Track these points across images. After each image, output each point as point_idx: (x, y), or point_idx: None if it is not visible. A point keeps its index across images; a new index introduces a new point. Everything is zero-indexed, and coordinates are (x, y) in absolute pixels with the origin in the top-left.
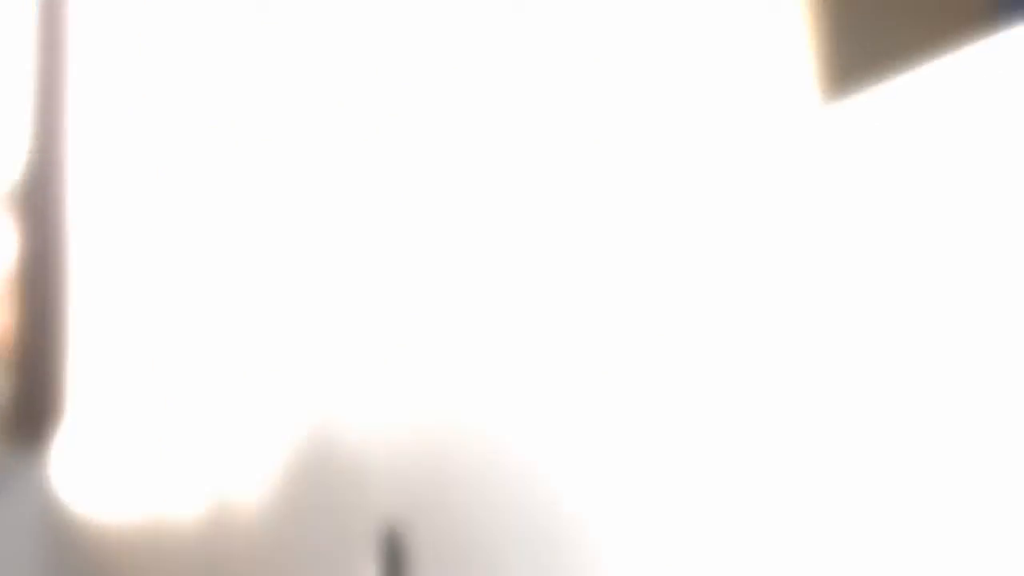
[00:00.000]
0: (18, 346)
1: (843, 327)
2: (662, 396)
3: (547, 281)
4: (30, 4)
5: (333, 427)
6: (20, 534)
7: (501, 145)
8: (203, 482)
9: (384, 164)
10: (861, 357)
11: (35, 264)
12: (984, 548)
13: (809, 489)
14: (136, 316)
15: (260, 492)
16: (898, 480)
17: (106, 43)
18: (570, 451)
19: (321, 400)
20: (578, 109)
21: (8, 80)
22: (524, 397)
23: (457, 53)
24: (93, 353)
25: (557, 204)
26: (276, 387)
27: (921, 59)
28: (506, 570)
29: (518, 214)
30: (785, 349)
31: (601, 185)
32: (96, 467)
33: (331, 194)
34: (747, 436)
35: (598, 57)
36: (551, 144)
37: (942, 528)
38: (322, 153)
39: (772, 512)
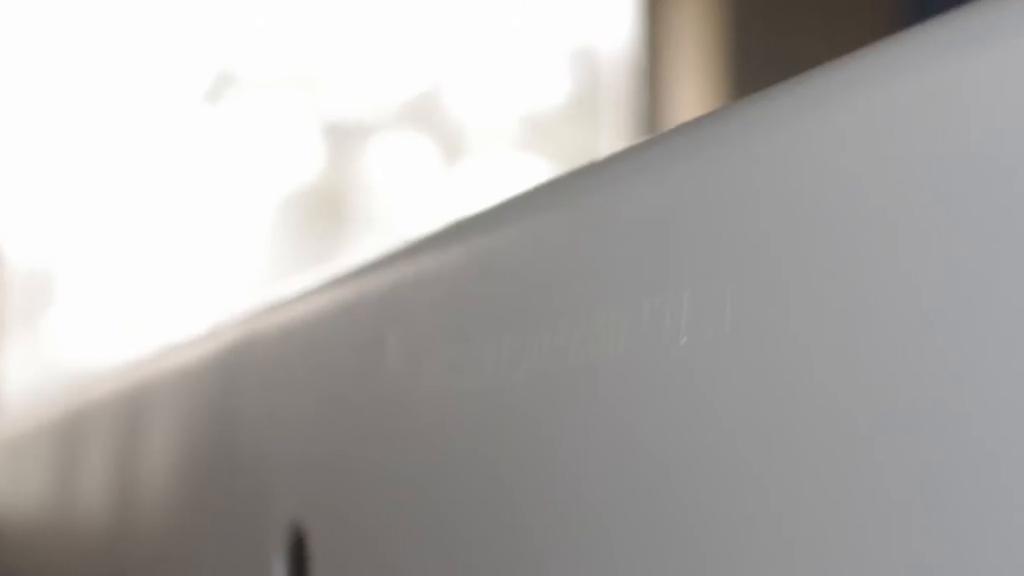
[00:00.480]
0: None
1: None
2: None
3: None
4: None
5: (235, 425)
6: None
7: None
8: (105, 481)
9: None
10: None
11: None
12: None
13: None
14: None
15: (162, 492)
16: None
17: None
18: (478, 448)
19: (222, 397)
20: None
21: None
22: (426, 393)
23: None
24: None
25: None
26: (174, 383)
27: (825, 59)
28: (413, 569)
29: None
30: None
31: None
32: None
33: None
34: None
35: None
36: None
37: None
38: None
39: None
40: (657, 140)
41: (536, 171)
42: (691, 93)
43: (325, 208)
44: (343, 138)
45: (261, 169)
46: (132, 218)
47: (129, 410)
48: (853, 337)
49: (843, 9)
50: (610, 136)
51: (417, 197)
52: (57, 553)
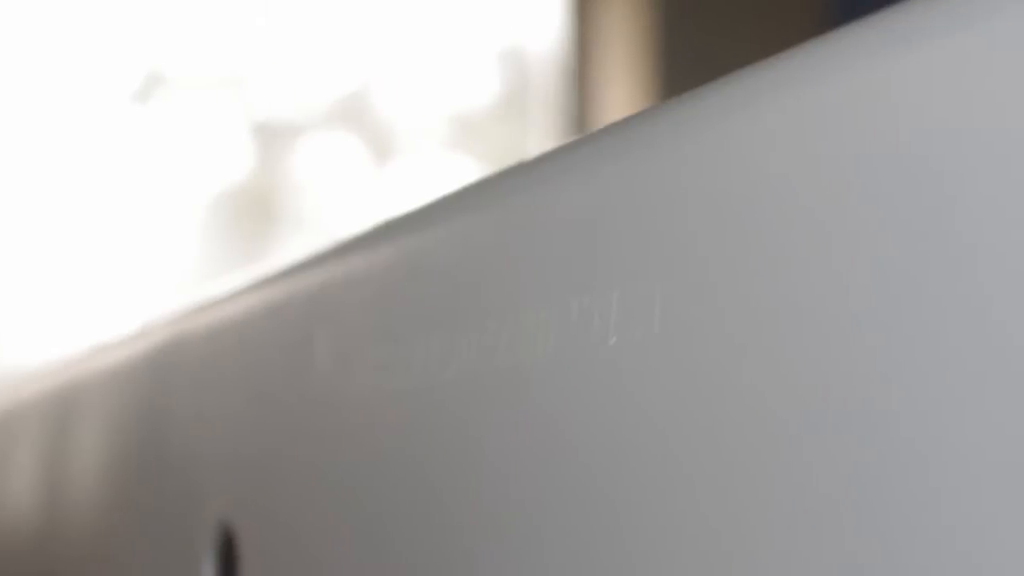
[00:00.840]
0: None
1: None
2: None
3: None
4: None
5: (164, 425)
6: None
7: None
8: (34, 481)
9: None
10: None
11: None
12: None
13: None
14: None
15: (91, 492)
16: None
17: None
18: (407, 448)
19: (151, 397)
20: None
21: None
22: (355, 393)
23: None
24: None
25: None
26: (104, 383)
27: (754, 59)
28: (341, 568)
29: None
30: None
31: None
32: None
33: None
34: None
35: None
36: None
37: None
38: None
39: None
40: (586, 140)
41: (465, 171)
42: (620, 93)
43: (254, 208)
44: (272, 138)
45: (190, 169)
46: (61, 218)
47: (58, 410)
48: (781, 337)
49: (772, 9)
50: (539, 136)
51: (346, 197)
52: None
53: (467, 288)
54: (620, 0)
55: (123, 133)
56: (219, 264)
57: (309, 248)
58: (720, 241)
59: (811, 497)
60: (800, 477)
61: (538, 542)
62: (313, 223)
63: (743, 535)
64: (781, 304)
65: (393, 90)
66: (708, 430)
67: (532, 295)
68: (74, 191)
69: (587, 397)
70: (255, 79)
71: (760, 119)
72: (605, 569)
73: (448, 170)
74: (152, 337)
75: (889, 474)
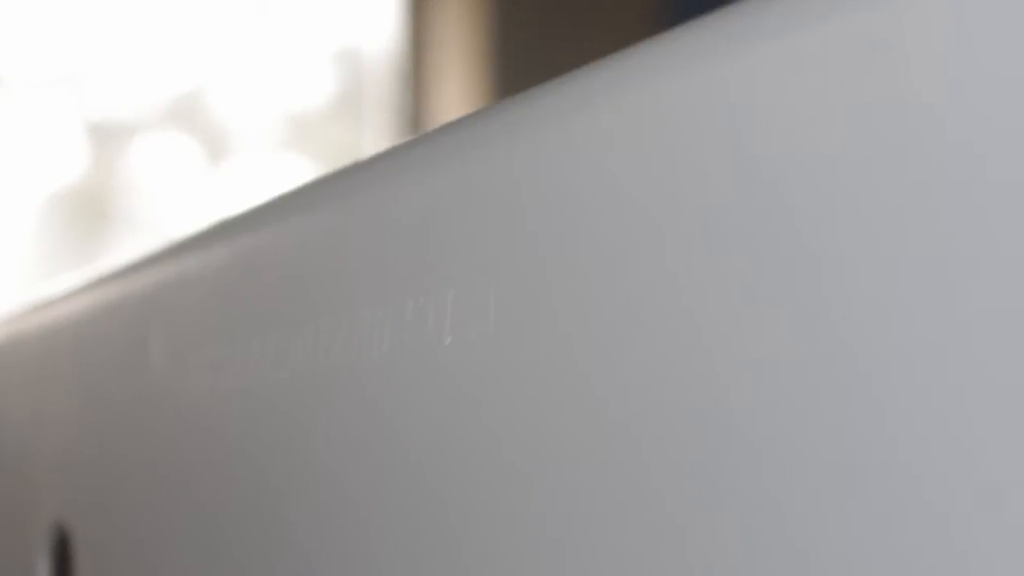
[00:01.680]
0: None
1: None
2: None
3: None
4: None
5: None
6: None
7: None
8: None
9: None
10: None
11: None
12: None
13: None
14: None
15: None
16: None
17: None
18: (242, 448)
19: None
20: None
21: None
22: (190, 393)
23: None
24: None
25: None
26: None
27: (589, 59)
28: (176, 567)
29: None
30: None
31: None
32: None
33: None
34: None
35: None
36: None
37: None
38: None
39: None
40: (420, 140)
41: (300, 171)
42: (455, 93)
43: (89, 208)
44: (107, 138)
45: (25, 169)
46: None
47: None
48: (616, 335)
49: (608, 9)
50: (374, 136)
51: (181, 197)
52: None
53: (302, 288)
54: (455, 0)
55: None
56: (54, 264)
57: (144, 248)
58: (555, 240)
59: (647, 494)
60: (636, 475)
61: (371, 541)
62: (148, 223)
63: (577, 534)
64: (615, 303)
65: (228, 90)
66: (543, 429)
67: (367, 295)
68: None
69: (422, 396)
70: (89, 78)
71: (594, 119)
72: (439, 567)
73: (283, 170)
74: None
75: (728, 475)
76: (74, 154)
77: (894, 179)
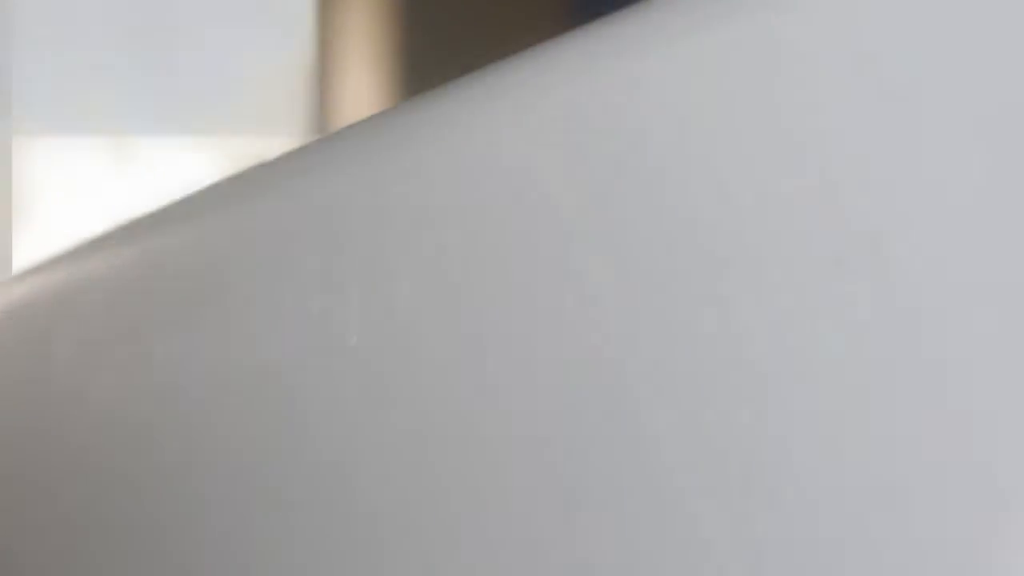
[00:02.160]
0: None
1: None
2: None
3: None
4: None
5: None
6: None
7: None
8: None
9: None
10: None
11: None
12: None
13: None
14: None
15: None
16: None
17: None
18: (147, 448)
19: None
20: None
21: None
22: (96, 391)
23: None
24: None
25: None
26: None
27: (497, 57)
28: (78, 569)
29: None
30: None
31: None
32: None
33: None
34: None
35: None
36: None
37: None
38: None
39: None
40: (327, 140)
41: (205, 171)
42: (361, 92)
43: None
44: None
45: None
46: None
47: None
48: (526, 336)
49: (517, 8)
50: (280, 136)
51: (87, 197)
52: None
53: (208, 288)
54: (357, 3)
55: None
56: None
57: (49, 249)
58: (465, 240)
59: (548, 493)
60: (546, 475)
61: (271, 540)
62: (53, 223)
63: (483, 530)
64: (526, 303)
65: (132, 89)
66: (452, 429)
67: (273, 295)
68: None
69: (328, 396)
70: None
71: (500, 117)
72: (335, 563)
73: (188, 170)
74: None
75: (629, 474)
76: None
77: (791, 180)
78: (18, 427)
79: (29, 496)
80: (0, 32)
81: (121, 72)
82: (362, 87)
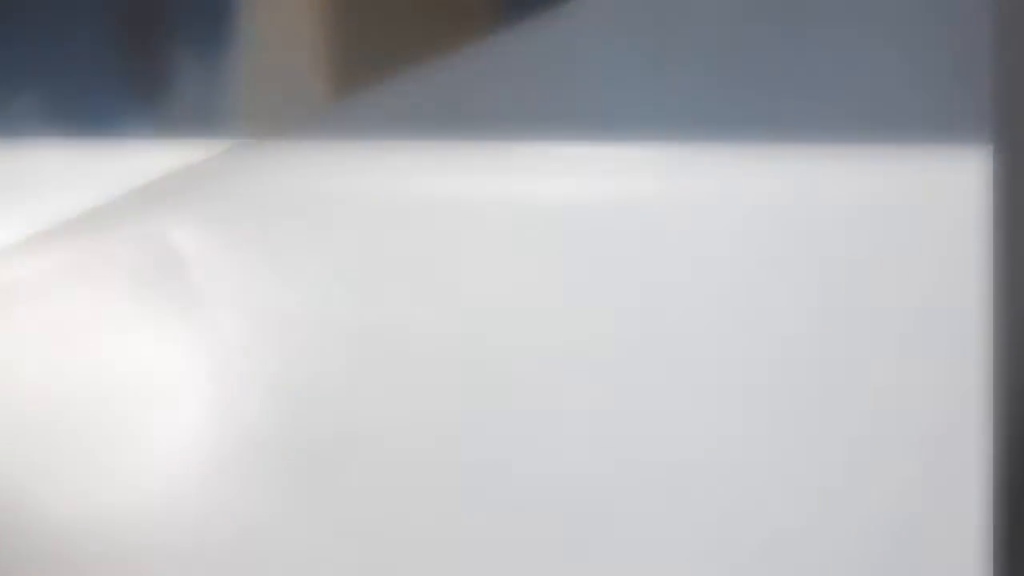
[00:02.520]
0: None
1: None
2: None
3: None
4: None
5: None
6: None
7: None
8: None
9: None
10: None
11: None
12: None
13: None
14: None
15: None
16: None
17: None
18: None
19: None
20: None
21: None
22: None
23: None
24: None
25: None
26: None
27: (425, 57)
28: None
29: None
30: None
31: None
32: None
33: None
34: None
35: None
36: None
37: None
38: None
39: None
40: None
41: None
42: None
43: None
44: None
45: None
46: None
47: None
48: (357, 343)
49: (442, 12)
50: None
51: None
52: None
53: None
54: (285, 3)
55: None
56: None
57: None
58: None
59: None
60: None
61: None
62: None
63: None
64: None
65: None
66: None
67: None
68: None
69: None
70: None
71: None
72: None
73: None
74: None
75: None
76: None
77: None
78: None
79: None
80: None
81: None
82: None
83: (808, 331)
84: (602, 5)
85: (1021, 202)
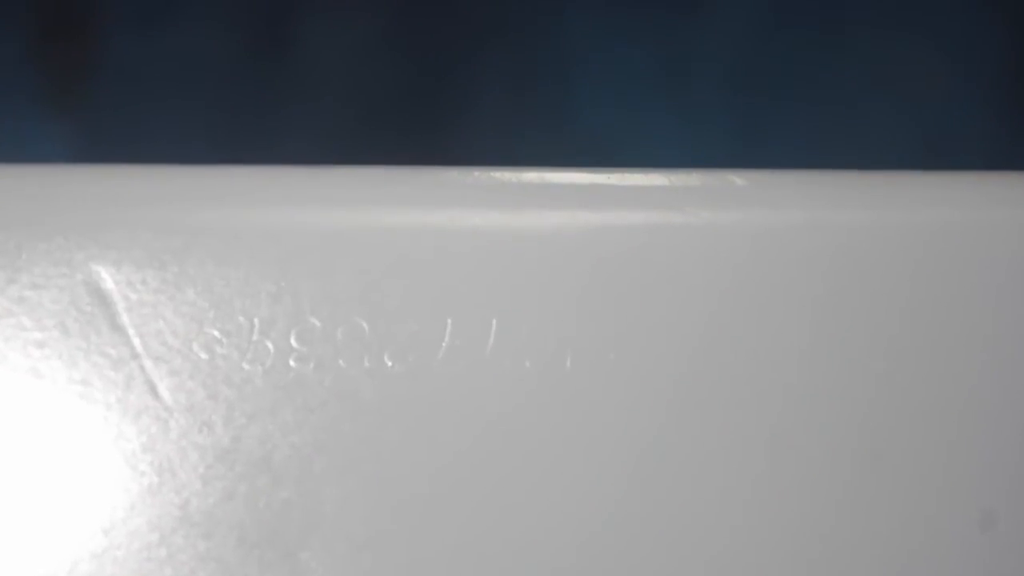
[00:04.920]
0: None
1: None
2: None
3: None
4: None
5: None
6: None
7: None
8: None
9: None
10: None
11: None
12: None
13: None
14: None
15: None
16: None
17: None
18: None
19: None
20: None
21: None
22: None
23: None
24: None
25: None
26: None
27: None
28: None
29: None
30: None
31: None
32: None
33: None
34: None
35: None
36: None
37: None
38: None
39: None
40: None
41: None
42: None
43: None
44: None
45: None
46: None
47: None
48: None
49: None
50: None
51: None
52: None
53: None
54: None
55: None
56: None
57: None
58: None
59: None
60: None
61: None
62: None
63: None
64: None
65: None
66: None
67: None
68: None
69: None
70: None
71: None
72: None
73: None
74: None
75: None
76: None
77: None
78: None
79: None
80: None
81: None
82: None
83: (872, 374)
84: None
85: None
